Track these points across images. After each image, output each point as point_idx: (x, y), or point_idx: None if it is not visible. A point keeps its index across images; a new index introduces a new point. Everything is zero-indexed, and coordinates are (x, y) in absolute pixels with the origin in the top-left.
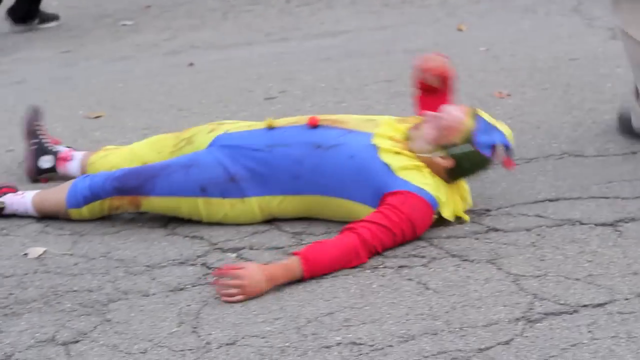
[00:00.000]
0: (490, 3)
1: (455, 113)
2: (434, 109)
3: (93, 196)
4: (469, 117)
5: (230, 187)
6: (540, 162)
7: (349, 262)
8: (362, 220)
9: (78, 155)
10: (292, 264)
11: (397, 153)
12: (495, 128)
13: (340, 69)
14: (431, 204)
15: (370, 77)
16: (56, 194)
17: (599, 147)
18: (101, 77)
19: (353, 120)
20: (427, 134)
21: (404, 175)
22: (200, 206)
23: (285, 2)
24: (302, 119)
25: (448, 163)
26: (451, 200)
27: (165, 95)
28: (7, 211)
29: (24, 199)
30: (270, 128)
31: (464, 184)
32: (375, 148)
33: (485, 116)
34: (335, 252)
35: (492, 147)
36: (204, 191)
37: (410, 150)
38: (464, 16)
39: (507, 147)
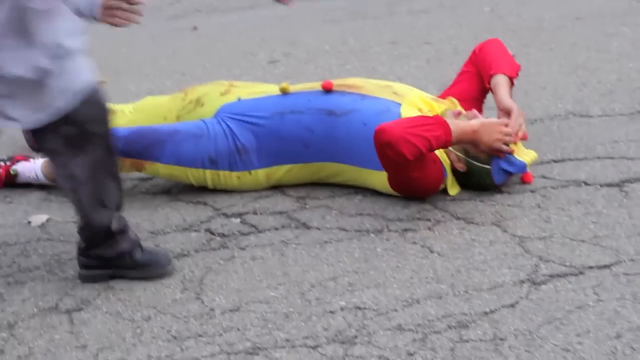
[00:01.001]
0: None
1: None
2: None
3: None
4: None
5: (238, 159)
6: (545, 123)
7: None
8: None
9: None
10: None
11: None
12: (515, 157)
13: (344, 31)
14: (443, 171)
15: (374, 39)
16: None
17: (605, 106)
18: (104, 41)
19: (368, 85)
20: (459, 131)
21: None
22: (207, 177)
23: None
24: (317, 85)
25: (460, 167)
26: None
27: (168, 59)
28: (20, 179)
29: (35, 165)
30: (284, 93)
31: None
32: (393, 117)
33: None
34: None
35: (508, 175)
36: (213, 163)
37: None
38: None
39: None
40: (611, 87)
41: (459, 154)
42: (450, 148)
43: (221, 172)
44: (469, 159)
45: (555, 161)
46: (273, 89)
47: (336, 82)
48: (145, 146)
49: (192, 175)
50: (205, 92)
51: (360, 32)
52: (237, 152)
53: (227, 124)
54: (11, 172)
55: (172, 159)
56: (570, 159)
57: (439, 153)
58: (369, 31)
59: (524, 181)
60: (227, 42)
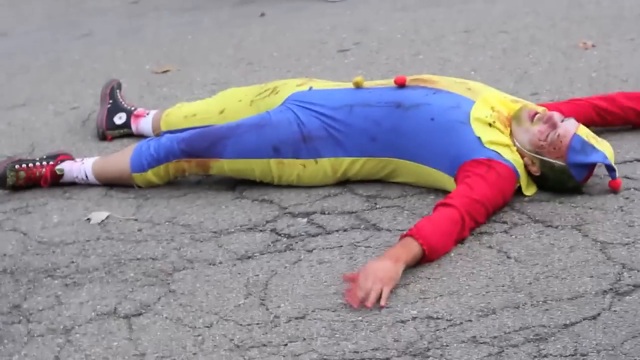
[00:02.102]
0: None
1: (570, 129)
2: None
3: (159, 159)
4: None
5: (303, 147)
6: None
7: (457, 238)
8: (456, 195)
9: (152, 112)
10: (405, 242)
11: (491, 125)
12: (592, 147)
13: (416, 19)
14: (514, 170)
15: (448, 27)
16: (118, 159)
17: None
18: (169, 29)
19: (443, 81)
20: (535, 137)
21: (487, 145)
22: (272, 167)
23: None
24: (391, 81)
25: (535, 171)
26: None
27: (235, 48)
28: (66, 179)
29: (84, 165)
30: (358, 87)
31: None
32: (463, 114)
33: (584, 132)
34: (445, 228)
35: (587, 167)
36: (276, 151)
37: (510, 134)
38: None
39: (608, 167)
40: None
41: (532, 154)
42: (524, 149)
43: (285, 160)
44: (542, 158)
45: (638, 160)
46: (348, 84)
47: (410, 77)
48: (208, 145)
49: (257, 166)
50: (283, 82)
51: (433, 20)
52: (302, 139)
53: (293, 111)
54: (57, 171)
55: (235, 152)
56: None
57: (510, 153)
58: (442, 19)
59: (612, 188)
60: (296, 29)
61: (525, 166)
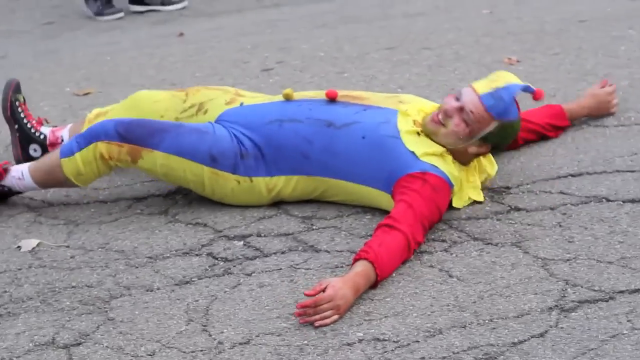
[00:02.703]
0: None
1: (471, 97)
2: None
3: (89, 137)
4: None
5: (240, 163)
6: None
7: (401, 261)
8: (399, 217)
9: (66, 130)
10: (367, 270)
11: (419, 134)
12: (500, 89)
13: (338, 36)
14: (448, 182)
15: (370, 44)
16: (52, 153)
17: (619, 115)
18: (87, 50)
19: (374, 97)
20: (459, 131)
21: (420, 156)
22: (205, 176)
23: None
24: (322, 94)
25: (486, 149)
26: (465, 185)
27: (156, 68)
28: (6, 181)
29: (22, 166)
30: (288, 100)
31: (482, 160)
32: (392, 128)
33: (482, 84)
34: (396, 255)
35: (513, 104)
36: (213, 161)
37: (435, 142)
38: None
39: (524, 89)
40: (624, 95)
41: (470, 142)
42: (461, 145)
43: (220, 173)
44: (479, 137)
45: (572, 175)
46: (278, 98)
47: (342, 93)
48: (146, 132)
49: (190, 170)
50: (210, 97)
51: (355, 37)
52: (240, 155)
53: (230, 128)
54: (2, 167)
55: (172, 147)
56: (588, 173)
57: (444, 164)
58: (363, 36)
59: (537, 99)
60: (217, 49)
61: (476, 155)
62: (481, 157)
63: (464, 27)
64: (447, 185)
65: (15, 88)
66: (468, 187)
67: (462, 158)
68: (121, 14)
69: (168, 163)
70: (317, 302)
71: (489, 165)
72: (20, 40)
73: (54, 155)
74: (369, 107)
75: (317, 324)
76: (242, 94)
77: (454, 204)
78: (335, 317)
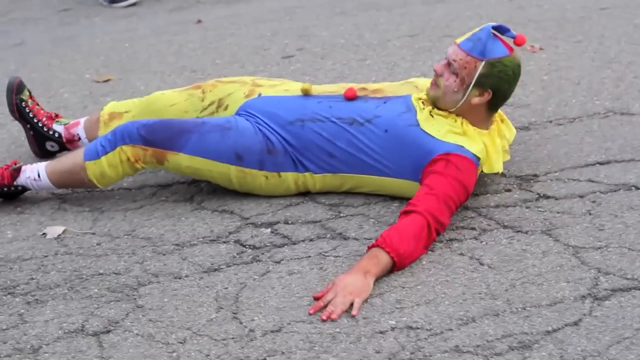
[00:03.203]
0: None
1: (454, 49)
2: None
3: (115, 141)
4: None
5: (268, 159)
6: (584, 122)
7: (425, 244)
8: (418, 200)
9: (81, 128)
10: (373, 253)
11: (432, 116)
12: (475, 32)
13: (358, 24)
14: (473, 160)
15: (391, 31)
16: (72, 153)
17: None
18: (105, 36)
19: (391, 87)
20: (450, 84)
21: (441, 137)
22: (232, 174)
23: None
24: (340, 88)
25: (487, 95)
26: (491, 150)
27: (176, 55)
28: (20, 180)
29: (38, 165)
30: (306, 95)
31: (500, 125)
32: (411, 115)
33: (464, 36)
34: (411, 234)
35: (494, 41)
36: (239, 159)
37: (444, 109)
38: None
39: (500, 28)
40: None
41: (468, 93)
42: (463, 102)
43: (247, 170)
44: (474, 83)
45: (600, 163)
46: (296, 87)
47: (358, 87)
48: (169, 135)
49: (217, 170)
50: (228, 92)
51: (375, 24)
52: (267, 151)
53: (254, 121)
54: (13, 168)
55: (196, 149)
56: (616, 161)
57: (467, 140)
58: (384, 23)
59: (518, 44)
60: (236, 36)
61: (480, 104)
62: (499, 121)
63: (485, 14)
64: (472, 164)
65: (17, 88)
66: (495, 152)
67: (477, 119)
68: None
69: (193, 164)
70: (324, 302)
71: (507, 130)
72: (37, 27)
73: (76, 157)
74: (388, 98)
75: (333, 315)
76: (260, 83)
77: (485, 171)
78: (356, 299)
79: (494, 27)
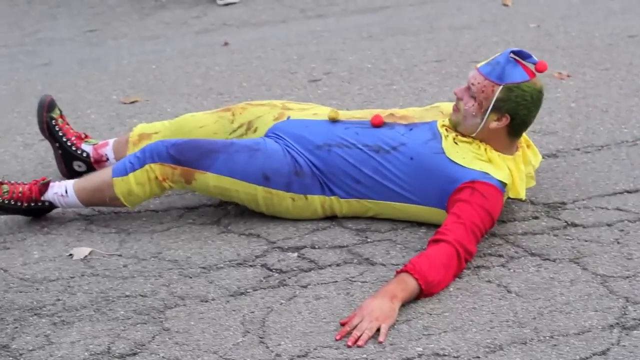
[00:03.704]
0: None
1: (474, 74)
2: None
3: (143, 158)
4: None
5: (295, 181)
6: (612, 150)
7: (455, 273)
8: (447, 229)
9: (109, 149)
10: (401, 277)
11: (456, 143)
12: (495, 57)
13: (385, 48)
14: (498, 187)
15: (418, 56)
16: (101, 171)
17: None
18: (132, 58)
19: (417, 113)
20: (470, 108)
21: (466, 165)
22: (259, 195)
23: None
24: (367, 114)
25: (505, 120)
26: (517, 176)
27: (202, 77)
28: (47, 196)
29: (66, 182)
30: (333, 121)
31: (526, 150)
32: (437, 143)
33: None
34: (441, 262)
35: (513, 65)
36: (266, 180)
37: (466, 135)
38: None
39: (521, 53)
40: None
41: (487, 117)
42: (482, 127)
43: (274, 191)
44: (492, 107)
45: (628, 192)
46: (325, 111)
47: (385, 113)
48: (197, 155)
49: (243, 190)
50: (257, 115)
51: (402, 49)
52: (295, 172)
53: (283, 143)
54: (41, 183)
55: (224, 168)
56: None
57: (491, 167)
58: (411, 48)
59: (539, 70)
60: (263, 59)
61: (499, 129)
62: (525, 147)
63: (512, 40)
64: (497, 191)
65: (49, 106)
66: (520, 179)
67: (500, 145)
68: None
69: (221, 184)
70: (350, 326)
71: (533, 156)
72: (64, 47)
73: (104, 174)
74: (414, 125)
75: (360, 342)
76: (290, 106)
77: (512, 196)
78: (382, 325)
79: (514, 52)
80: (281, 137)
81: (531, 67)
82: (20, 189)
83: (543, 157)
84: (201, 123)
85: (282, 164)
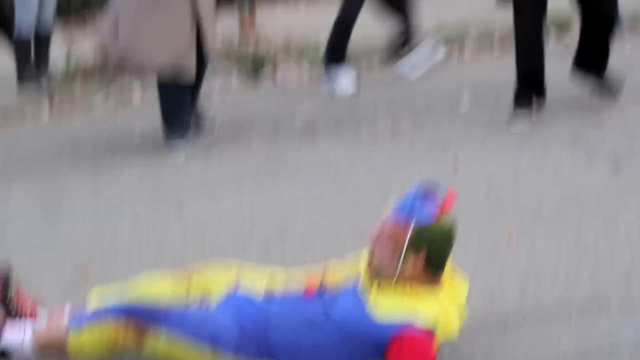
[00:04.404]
0: (484, 137)
1: (384, 218)
2: None
3: (99, 312)
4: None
5: (242, 347)
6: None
7: None
8: None
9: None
10: None
11: (381, 290)
12: (407, 195)
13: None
14: (428, 334)
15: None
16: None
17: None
18: (85, 227)
19: (340, 270)
20: (383, 258)
21: (392, 315)
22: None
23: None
24: (302, 281)
25: (421, 262)
26: (448, 308)
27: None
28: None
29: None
30: (269, 294)
31: (454, 285)
32: (361, 304)
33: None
34: None
35: (430, 206)
36: (215, 350)
37: (386, 278)
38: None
39: (429, 190)
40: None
41: (405, 264)
42: (398, 273)
43: (222, 354)
44: (410, 253)
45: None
46: (264, 282)
47: (315, 280)
48: (149, 317)
49: (192, 356)
50: (212, 280)
51: (354, 213)
52: (239, 340)
53: (232, 315)
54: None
55: (174, 333)
56: None
57: (415, 312)
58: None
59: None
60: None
61: (417, 268)
62: (449, 283)
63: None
64: (425, 338)
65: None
66: (452, 308)
67: (424, 279)
68: None
69: (169, 350)
70: None
71: (458, 291)
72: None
73: (61, 322)
74: (339, 290)
75: None
76: (244, 271)
77: (444, 333)
78: None
79: (422, 188)
80: (229, 309)
81: (439, 203)
82: None
83: None
84: (156, 290)
85: (229, 337)
